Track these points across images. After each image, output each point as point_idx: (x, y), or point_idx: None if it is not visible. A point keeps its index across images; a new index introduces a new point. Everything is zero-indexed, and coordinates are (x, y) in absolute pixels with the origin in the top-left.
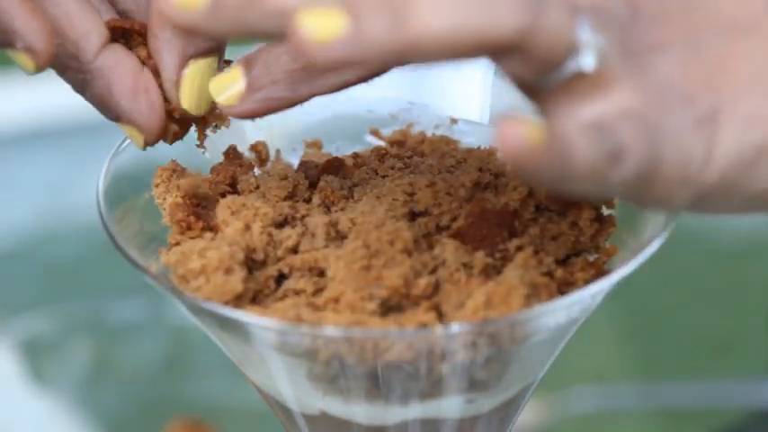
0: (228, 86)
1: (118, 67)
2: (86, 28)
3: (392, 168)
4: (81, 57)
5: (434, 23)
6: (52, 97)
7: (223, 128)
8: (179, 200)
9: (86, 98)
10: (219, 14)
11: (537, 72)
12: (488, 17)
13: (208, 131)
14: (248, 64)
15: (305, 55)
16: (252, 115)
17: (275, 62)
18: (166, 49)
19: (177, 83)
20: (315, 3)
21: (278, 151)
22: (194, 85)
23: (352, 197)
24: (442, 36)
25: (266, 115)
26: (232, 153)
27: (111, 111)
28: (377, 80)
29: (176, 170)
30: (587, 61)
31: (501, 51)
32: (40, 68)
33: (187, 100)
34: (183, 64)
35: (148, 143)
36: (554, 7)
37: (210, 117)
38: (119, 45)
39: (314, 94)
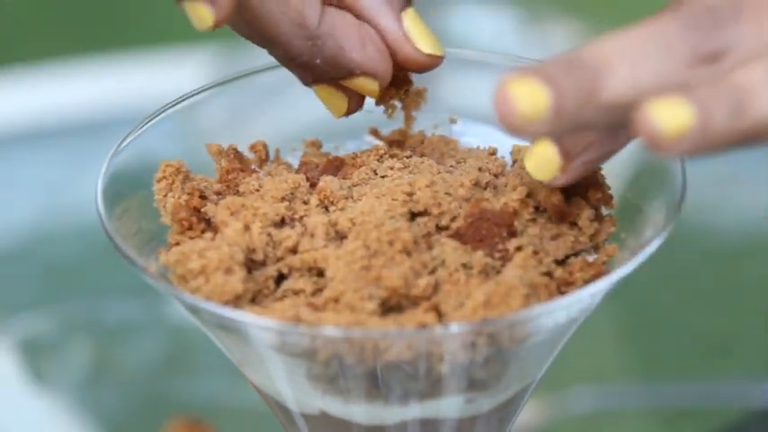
0: (545, 163)
1: (342, 24)
2: None
3: (391, 168)
4: (308, 23)
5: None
6: (52, 97)
7: (218, 129)
8: (182, 201)
9: (315, 64)
10: (561, 118)
11: None
12: None
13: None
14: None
15: (653, 146)
16: (575, 180)
17: None
18: (380, 14)
19: (405, 36)
20: (656, 92)
21: (278, 151)
22: (421, 28)
23: (352, 197)
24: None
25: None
26: (233, 153)
27: (344, 67)
28: None
29: (181, 170)
30: None
31: None
32: (218, 23)
33: (425, 42)
34: (399, 18)
35: (383, 86)
36: None
37: (409, 100)
38: (330, 6)
39: (628, 141)
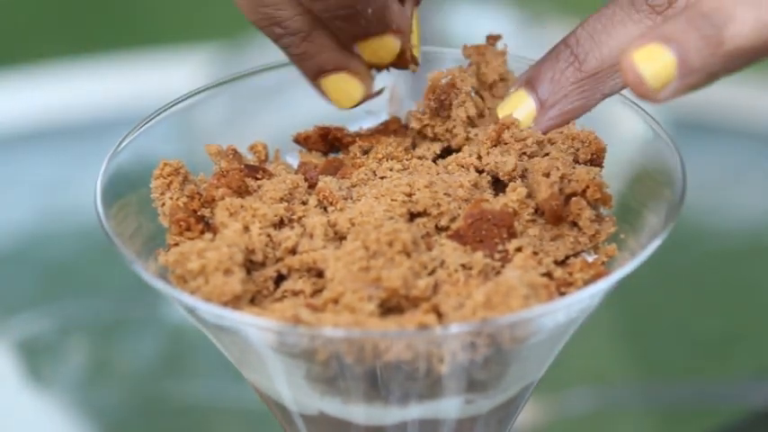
0: (518, 108)
1: None
2: None
3: (390, 170)
4: None
5: (743, 31)
6: (52, 97)
7: (218, 129)
8: (180, 203)
9: (366, 14)
10: (688, 76)
11: None
12: None
13: None
14: (531, 84)
15: (642, 95)
16: (550, 130)
17: (561, 77)
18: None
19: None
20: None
21: (277, 151)
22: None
23: (351, 197)
24: (752, 40)
25: (562, 126)
26: (232, 154)
27: (387, 20)
28: (376, 80)
29: (180, 171)
30: None
31: None
32: (367, 99)
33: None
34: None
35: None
36: None
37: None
38: None
39: (605, 96)
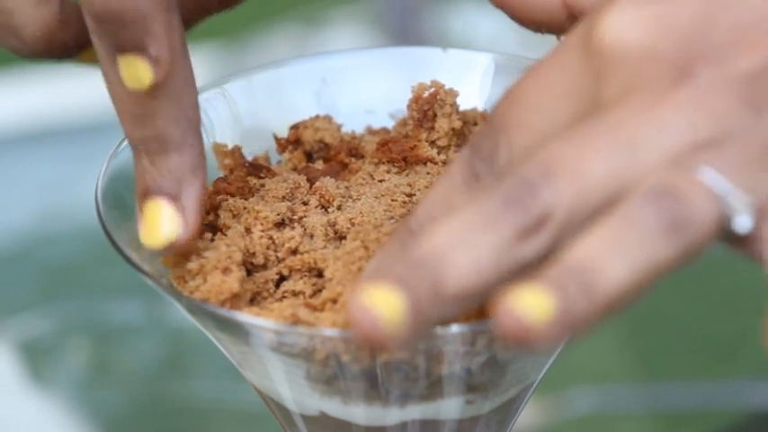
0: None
1: None
2: None
3: (388, 173)
4: None
5: (618, 276)
6: (52, 97)
7: (217, 129)
8: None
9: None
10: (419, 319)
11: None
12: (651, 255)
13: None
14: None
15: (521, 341)
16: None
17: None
18: None
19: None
20: (498, 274)
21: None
22: None
23: (351, 197)
24: (627, 285)
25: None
26: (238, 153)
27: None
28: (376, 80)
29: None
30: (743, 221)
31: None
32: (158, 84)
33: None
34: None
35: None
36: (696, 213)
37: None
38: None
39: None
